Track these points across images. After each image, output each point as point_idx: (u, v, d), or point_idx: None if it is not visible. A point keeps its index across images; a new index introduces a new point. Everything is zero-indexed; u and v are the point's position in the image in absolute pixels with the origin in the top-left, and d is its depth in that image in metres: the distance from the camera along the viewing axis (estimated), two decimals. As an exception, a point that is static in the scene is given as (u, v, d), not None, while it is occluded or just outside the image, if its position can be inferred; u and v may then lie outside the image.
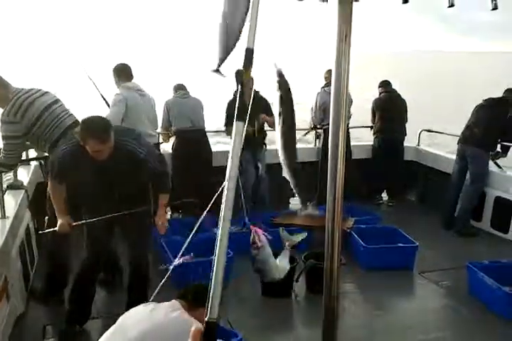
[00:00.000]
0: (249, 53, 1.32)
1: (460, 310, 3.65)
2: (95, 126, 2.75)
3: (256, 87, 5.28)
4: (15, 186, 4.05)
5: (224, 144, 6.41)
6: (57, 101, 3.45)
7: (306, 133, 6.11)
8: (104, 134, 2.72)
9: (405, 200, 6.35)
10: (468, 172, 5.19)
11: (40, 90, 3.41)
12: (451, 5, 2.16)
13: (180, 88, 5.41)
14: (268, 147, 5.66)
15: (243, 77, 1.32)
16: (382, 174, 6.15)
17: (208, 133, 5.48)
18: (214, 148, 5.54)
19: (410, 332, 3.36)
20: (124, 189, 3.00)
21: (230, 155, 1.20)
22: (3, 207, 3.45)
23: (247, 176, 5.34)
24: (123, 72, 4.53)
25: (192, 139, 5.22)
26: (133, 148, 2.89)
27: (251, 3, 1.38)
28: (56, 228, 3.04)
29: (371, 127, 6.38)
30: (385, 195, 6.43)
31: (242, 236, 4.32)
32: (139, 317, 2.22)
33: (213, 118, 6.42)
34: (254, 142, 5.43)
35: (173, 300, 2.30)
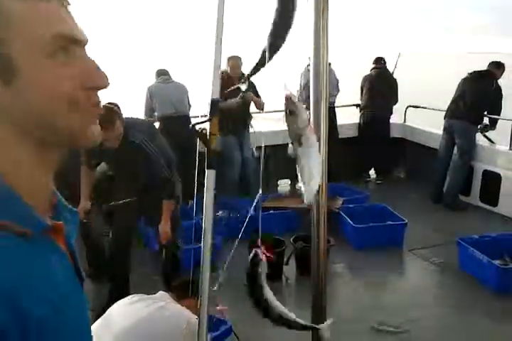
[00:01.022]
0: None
1: (451, 285, 3.65)
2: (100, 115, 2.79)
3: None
4: None
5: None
6: None
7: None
8: (105, 123, 2.79)
9: (393, 177, 6.32)
10: (456, 147, 5.16)
11: None
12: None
13: (162, 73, 5.27)
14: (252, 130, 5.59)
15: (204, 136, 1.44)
16: (369, 151, 6.10)
17: (192, 119, 5.37)
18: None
19: (402, 310, 3.34)
20: (129, 179, 3.24)
21: (204, 205, 1.23)
22: None
23: (233, 162, 5.28)
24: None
25: (175, 126, 5.10)
26: (142, 145, 3.04)
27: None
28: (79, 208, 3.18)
29: (358, 105, 6.31)
30: (372, 173, 6.40)
31: (232, 221, 4.31)
32: (125, 310, 2.16)
33: (200, 103, 6.30)
34: (237, 125, 5.36)
35: (161, 292, 2.26)
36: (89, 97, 0.68)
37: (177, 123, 5.07)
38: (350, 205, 4.63)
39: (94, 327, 2.14)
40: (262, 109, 5.39)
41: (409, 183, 6.06)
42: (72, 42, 0.65)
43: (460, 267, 3.80)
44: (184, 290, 2.19)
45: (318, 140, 1.95)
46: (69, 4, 0.68)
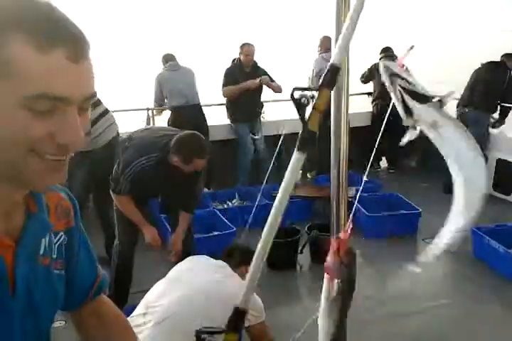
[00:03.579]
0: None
1: (467, 275, 3.65)
2: (198, 146, 2.78)
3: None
4: None
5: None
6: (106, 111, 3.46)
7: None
8: (206, 152, 2.78)
9: (406, 166, 6.30)
10: (470, 135, 5.12)
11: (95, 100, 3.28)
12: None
13: (169, 59, 5.19)
14: (264, 119, 5.58)
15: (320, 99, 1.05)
16: (382, 141, 6.07)
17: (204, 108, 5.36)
18: (210, 122, 5.43)
19: (417, 299, 3.36)
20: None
21: (282, 186, 1.03)
22: None
23: (246, 150, 5.29)
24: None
25: (188, 116, 5.08)
26: (202, 171, 3.04)
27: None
28: (147, 240, 3.03)
29: (370, 93, 6.25)
30: (383, 162, 6.38)
31: (242, 210, 4.32)
32: (195, 268, 2.38)
33: (208, 90, 6.29)
34: (250, 114, 5.37)
35: (221, 261, 2.41)
36: (56, 151, 0.66)
37: (189, 113, 5.05)
38: (364, 194, 4.61)
39: (163, 282, 2.32)
40: (280, 91, 5.38)
41: (422, 172, 6.03)
42: (58, 101, 0.64)
43: (475, 256, 3.80)
44: (235, 259, 2.41)
45: (339, 130, 1.97)
46: (90, 63, 0.67)
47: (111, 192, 2.96)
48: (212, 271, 2.31)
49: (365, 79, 6.16)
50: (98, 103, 3.38)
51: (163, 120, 5.40)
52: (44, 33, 0.61)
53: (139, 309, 2.19)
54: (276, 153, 4.33)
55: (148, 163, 2.80)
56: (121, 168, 2.86)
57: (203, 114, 5.23)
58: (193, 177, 2.96)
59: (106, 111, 3.42)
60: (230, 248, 2.60)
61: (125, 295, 3.13)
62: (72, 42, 0.64)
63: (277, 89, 5.34)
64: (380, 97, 6.04)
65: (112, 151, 3.44)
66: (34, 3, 0.63)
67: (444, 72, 19.53)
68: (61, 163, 0.69)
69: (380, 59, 6.09)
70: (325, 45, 5.56)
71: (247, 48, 5.15)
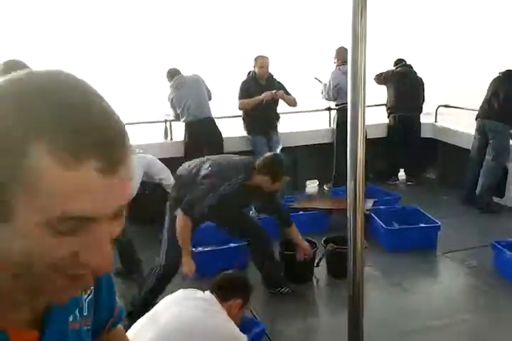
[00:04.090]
0: None
1: (487, 290, 3.56)
2: (283, 165, 3.09)
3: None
4: None
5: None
6: None
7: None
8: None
9: (424, 179, 6.22)
10: (490, 148, 5.04)
11: None
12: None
13: (174, 73, 5.23)
14: (281, 131, 5.60)
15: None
16: (399, 153, 6.03)
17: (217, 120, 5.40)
18: (224, 134, 5.46)
19: (436, 314, 3.28)
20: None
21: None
22: None
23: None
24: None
25: (203, 130, 5.14)
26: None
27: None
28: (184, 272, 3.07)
29: (385, 105, 6.22)
30: (401, 175, 6.31)
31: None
32: (175, 305, 2.19)
33: (224, 102, 6.32)
34: (266, 125, 5.38)
35: (208, 293, 2.24)
36: (80, 269, 0.60)
37: (203, 127, 5.15)
38: (381, 207, 4.57)
39: (141, 321, 2.19)
40: (295, 105, 5.42)
41: (441, 185, 5.95)
42: (84, 221, 0.56)
43: (496, 271, 3.71)
44: (225, 291, 2.22)
45: (355, 142, 1.96)
46: (127, 169, 0.58)
47: (179, 211, 3.01)
48: (193, 307, 2.13)
49: (379, 80, 6.10)
50: None
51: (181, 131, 5.44)
52: (72, 144, 0.53)
53: None
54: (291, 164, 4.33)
55: (233, 185, 2.96)
56: (202, 191, 2.94)
57: (217, 126, 5.30)
58: (271, 195, 3.29)
59: None
60: (219, 278, 2.39)
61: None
62: (105, 151, 0.55)
63: (292, 103, 5.36)
64: (395, 108, 6.01)
65: None
66: (68, 106, 0.55)
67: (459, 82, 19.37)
68: (85, 276, 0.62)
69: (396, 69, 6.08)
70: (342, 56, 5.55)
71: (261, 60, 5.19)
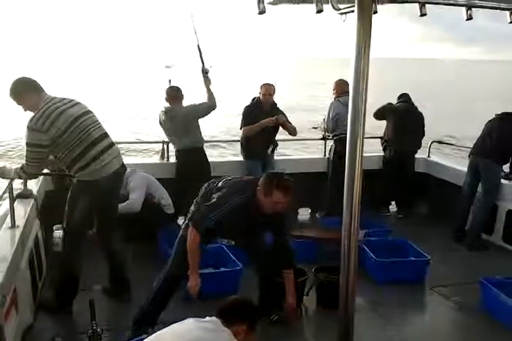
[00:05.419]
0: None
1: (473, 327, 3.58)
2: (288, 186, 3.06)
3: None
4: (24, 195, 4.01)
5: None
6: (87, 112, 3.42)
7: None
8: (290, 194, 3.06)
9: (415, 212, 6.26)
10: (481, 185, 5.13)
11: (72, 100, 3.38)
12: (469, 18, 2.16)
13: (175, 97, 5.16)
14: (276, 157, 5.66)
15: None
16: (392, 186, 6.09)
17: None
18: (219, 158, 5.52)
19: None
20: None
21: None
22: (14, 216, 3.42)
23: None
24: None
25: (191, 159, 5.18)
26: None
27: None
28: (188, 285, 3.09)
29: (381, 138, 6.31)
30: (392, 207, 6.36)
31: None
32: (180, 331, 2.16)
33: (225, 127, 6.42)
34: (263, 151, 5.45)
35: (214, 318, 2.20)
36: None
37: (192, 156, 5.17)
38: (372, 238, 4.60)
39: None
40: (295, 134, 5.52)
41: (431, 219, 6.00)
42: None
43: (482, 308, 3.73)
44: (231, 316, 2.20)
45: (354, 168, 2.03)
46: None
47: (190, 223, 3.08)
48: (200, 328, 2.12)
49: (378, 116, 6.17)
50: (106, 135, 3.46)
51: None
52: None
53: None
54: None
55: (240, 200, 3.00)
56: (213, 205, 3.02)
57: (205, 155, 5.30)
58: (280, 225, 3.28)
59: (112, 144, 3.50)
60: (226, 302, 2.31)
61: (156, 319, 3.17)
62: None
63: (293, 131, 5.46)
64: (393, 142, 6.09)
65: (115, 183, 3.53)
66: None
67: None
68: None
69: (397, 103, 6.19)
70: (341, 88, 5.67)
71: (266, 87, 5.32)
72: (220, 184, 3.20)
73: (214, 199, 3.05)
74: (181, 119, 5.08)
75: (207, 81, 5.07)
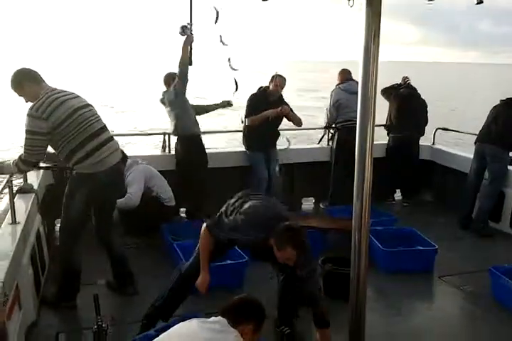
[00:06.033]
0: None
1: (483, 315, 3.53)
2: (300, 238, 2.77)
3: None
4: (25, 190, 3.95)
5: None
6: (87, 105, 3.38)
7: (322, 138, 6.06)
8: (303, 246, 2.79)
9: (421, 200, 6.21)
10: (487, 172, 5.06)
11: (72, 93, 3.36)
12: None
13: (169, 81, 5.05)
14: (279, 147, 5.60)
15: None
16: (397, 174, 6.02)
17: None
18: (225, 149, 5.46)
19: (431, 339, 3.25)
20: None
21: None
22: (14, 211, 3.36)
23: (260, 179, 5.27)
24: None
25: (190, 146, 5.12)
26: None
27: None
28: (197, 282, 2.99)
29: (384, 125, 6.22)
30: (398, 195, 6.30)
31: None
32: (187, 330, 2.10)
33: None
34: (266, 142, 5.39)
35: (220, 318, 2.13)
36: None
37: (190, 144, 5.11)
38: (378, 227, 4.53)
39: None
40: (301, 125, 5.46)
41: (437, 207, 5.95)
42: None
43: (492, 297, 3.68)
44: (236, 315, 2.13)
45: (364, 158, 1.96)
46: None
47: (204, 225, 2.95)
48: (207, 329, 2.06)
49: (387, 94, 6.11)
50: (105, 129, 3.41)
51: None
52: None
53: None
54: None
55: (253, 238, 2.85)
56: (228, 226, 2.88)
57: (203, 145, 5.20)
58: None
59: (111, 138, 3.44)
60: (232, 302, 2.23)
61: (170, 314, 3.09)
62: None
63: (298, 121, 5.40)
64: (397, 129, 6.02)
65: (113, 177, 3.45)
66: None
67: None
68: None
69: (400, 89, 6.11)
70: (343, 76, 5.63)
71: (279, 80, 5.24)
72: (246, 206, 2.96)
73: (231, 222, 2.90)
74: (184, 106, 5.06)
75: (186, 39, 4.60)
